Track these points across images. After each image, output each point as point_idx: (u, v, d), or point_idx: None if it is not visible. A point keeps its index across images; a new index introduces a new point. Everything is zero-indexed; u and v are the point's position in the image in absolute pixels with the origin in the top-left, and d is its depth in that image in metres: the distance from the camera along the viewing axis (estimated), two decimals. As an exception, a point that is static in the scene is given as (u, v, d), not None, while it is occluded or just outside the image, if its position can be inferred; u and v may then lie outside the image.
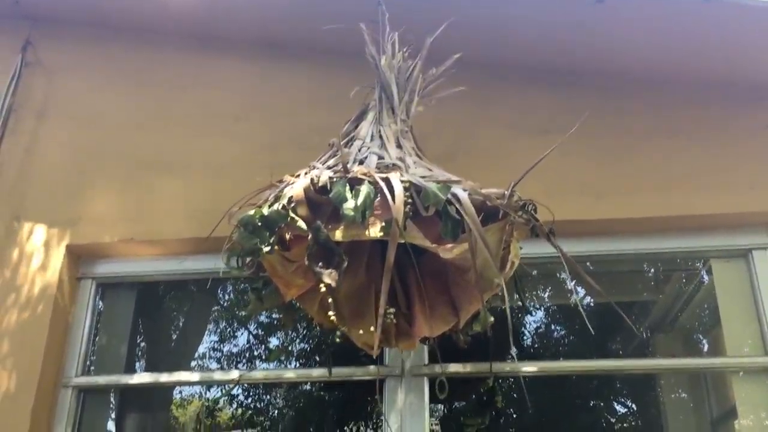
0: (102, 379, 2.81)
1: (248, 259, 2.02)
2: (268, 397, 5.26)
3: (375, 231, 1.71)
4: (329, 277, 1.83)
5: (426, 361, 2.62)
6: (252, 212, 1.85)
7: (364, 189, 1.73)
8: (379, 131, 2.21)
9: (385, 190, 1.71)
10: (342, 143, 2.20)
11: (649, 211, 2.67)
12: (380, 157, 2.02)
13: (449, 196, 1.74)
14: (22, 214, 2.93)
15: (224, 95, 3.09)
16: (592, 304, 3.86)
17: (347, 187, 1.74)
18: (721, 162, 2.72)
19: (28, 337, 2.70)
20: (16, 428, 2.55)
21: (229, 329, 4.21)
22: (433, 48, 2.32)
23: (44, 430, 2.64)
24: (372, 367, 2.61)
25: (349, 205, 1.70)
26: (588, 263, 2.90)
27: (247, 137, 2.97)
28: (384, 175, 1.77)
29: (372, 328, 2.20)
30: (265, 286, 2.13)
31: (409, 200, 1.75)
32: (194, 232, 2.82)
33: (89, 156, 3.03)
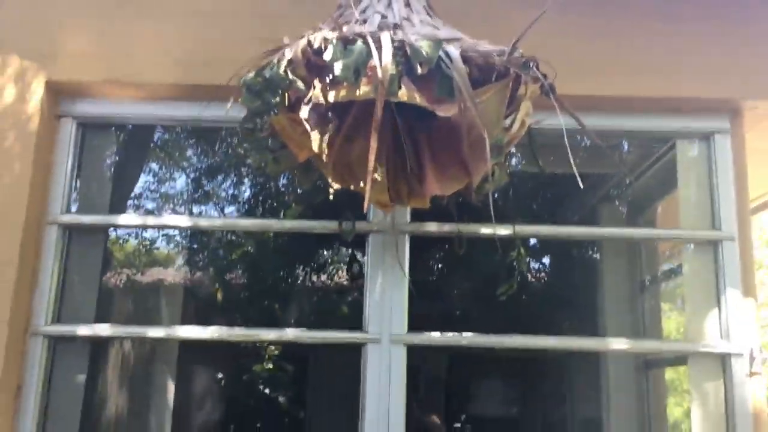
0: (87, 219, 2.83)
1: (262, 121, 2.07)
2: (216, 243, 5.34)
3: (366, 90, 1.78)
4: (295, 144, 1.94)
5: (408, 219, 2.78)
6: (253, 74, 1.89)
7: (356, 48, 1.79)
8: (389, -11, 2.20)
9: (373, 49, 1.77)
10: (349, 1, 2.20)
11: (627, 91, 2.81)
12: (383, 17, 2.04)
13: (441, 53, 1.81)
14: (-5, 43, 2.79)
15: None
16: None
17: (341, 48, 1.79)
18: (694, 48, 2.84)
19: (10, 171, 2.67)
20: (6, 264, 2.59)
21: (209, 177, 4.20)
22: None
23: (31, 264, 2.68)
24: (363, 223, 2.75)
25: (340, 66, 1.77)
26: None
27: (237, -17, 2.88)
28: (377, 33, 1.82)
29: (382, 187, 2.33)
30: (282, 147, 2.19)
31: (401, 59, 1.81)
32: (179, 78, 2.80)
33: (67, -14, 2.87)
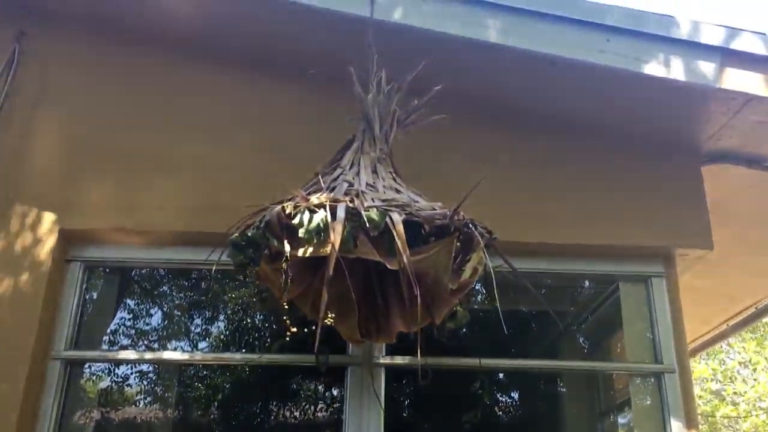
0: (89, 354, 3.07)
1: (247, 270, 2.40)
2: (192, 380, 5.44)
3: (328, 249, 2.09)
4: (277, 288, 2.28)
5: (384, 353, 3.07)
6: (237, 234, 2.24)
7: (317, 217, 2.13)
8: (359, 159, 2.61)
9: (329, 219, 2.10)
10: (328, 169, 2.60)
11: (575, 239, 3.22)
12: (350, 185, 2.40)
13: (387, 220, 2.14)
14: (15, 196, 3.13)
15: (214, 102, 3.39)
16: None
17: (306, 214, 2.14)
18: (631, 203, 3.29)
19: (21, 309, 2.93)
20: (10, 389, 2.80)
21: (204, 316, 4.45)
22: (417, 81, 2.72)
23: (35, 398, 2.89)
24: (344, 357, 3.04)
25: (303, 230, 2.12)
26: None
27: (234, 144, 3.29)
28: (335, 204, 2.15)
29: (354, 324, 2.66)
30: (267, 290, 2.52)
31: (357, 223, 2.16)
32: (182, 226, 3.14)
33: (82, 147, 3.27)
